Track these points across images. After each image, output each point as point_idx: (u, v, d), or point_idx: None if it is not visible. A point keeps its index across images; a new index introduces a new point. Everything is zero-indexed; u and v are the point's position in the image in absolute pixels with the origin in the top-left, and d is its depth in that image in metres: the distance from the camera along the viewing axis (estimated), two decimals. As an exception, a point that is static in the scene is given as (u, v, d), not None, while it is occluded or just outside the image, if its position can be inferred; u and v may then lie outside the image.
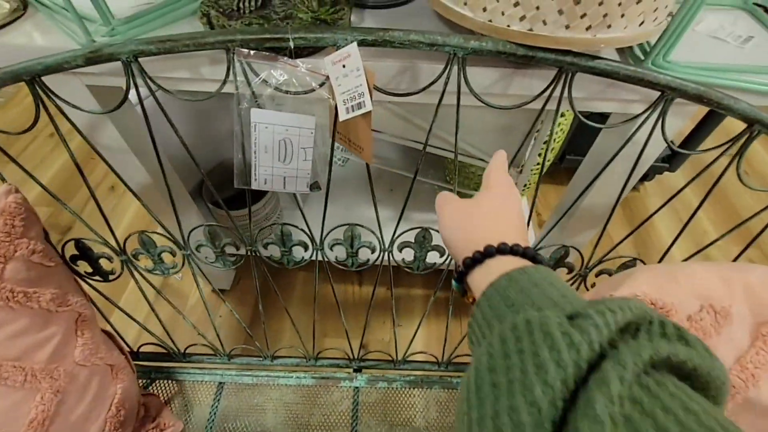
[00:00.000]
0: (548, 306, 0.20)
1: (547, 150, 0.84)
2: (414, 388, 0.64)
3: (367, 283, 1.17)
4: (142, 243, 0.51)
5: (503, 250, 0.26)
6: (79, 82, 0.51)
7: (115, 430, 0.52)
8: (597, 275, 0.53)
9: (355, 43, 0.35)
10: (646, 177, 1.42)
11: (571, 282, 0.54)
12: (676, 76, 0.38)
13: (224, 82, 0.39)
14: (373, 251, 0.51)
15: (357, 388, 0.64)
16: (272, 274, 1.16)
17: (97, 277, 0.54)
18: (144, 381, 0.64)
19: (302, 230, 0.50)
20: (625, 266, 0.51)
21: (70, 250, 0.52)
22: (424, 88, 0.39)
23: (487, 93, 0.46)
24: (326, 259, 0.53)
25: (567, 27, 0.34)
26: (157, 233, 0.51)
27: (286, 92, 0.39)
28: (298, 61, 0.38)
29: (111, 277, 0.55)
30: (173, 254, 0.52)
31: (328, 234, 0.50)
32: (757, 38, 0.48)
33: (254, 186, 0.45)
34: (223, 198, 0.51)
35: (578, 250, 0.52)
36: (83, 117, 0.52)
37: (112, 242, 0.51)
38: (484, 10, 0.36)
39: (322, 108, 0.42)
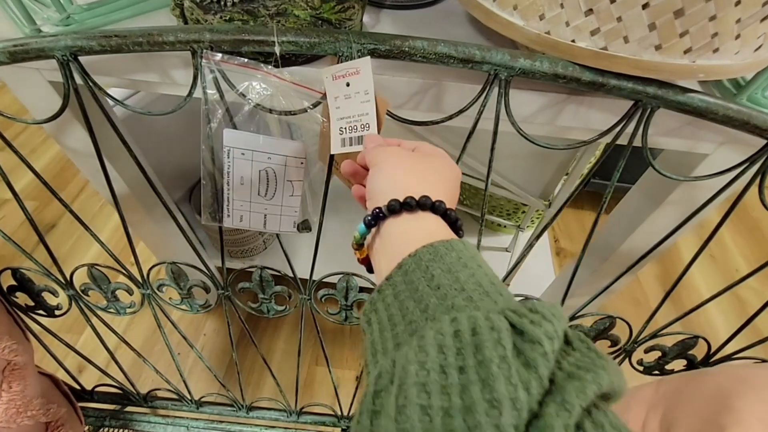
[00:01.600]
0: (480, 297, 0.18)
1: (585, 183, 0.74)
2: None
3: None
4: (92, 278, 0.42)
5: (434, 207, 0.22)
6: (40, 78, 0.43)
7: (45, 503, 0.43)
8: (647, 351, 0.43)
9: (368, 58, 0.26)
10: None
11: (614, 355, 0.44)
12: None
13: (189, 94, 0.30)
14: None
15: (344, 453, 0.54)
16: (256, 318, 1.03)
17: (40, 312, 0.45)
18: (94, 428, 0.55)
19: (287, 276, 0.41)
20: (683, 344, 0.41)
21: (7, 280, 0.43)
22: (451, 116, 0.30)
23: (529, 121, 0.36)
24: (314, 310, 0.43)
25: (657, 48, 0.25)
26: (111, 268, 0.42)
27: (270, 111, 0.30)
28: (287, 71, 0.29)
29: (57, 312, 0.46)
30: (130, 292, 0.43)
31: (317, 282, 0.40)
32: None
33: (226, 223, 0.35)
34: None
35: (626, 322, 0.42)
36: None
37: (57, 273, 0.42)
38: (541, 18, 0.26)
39: (316, 132, 0.32)
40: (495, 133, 0.30)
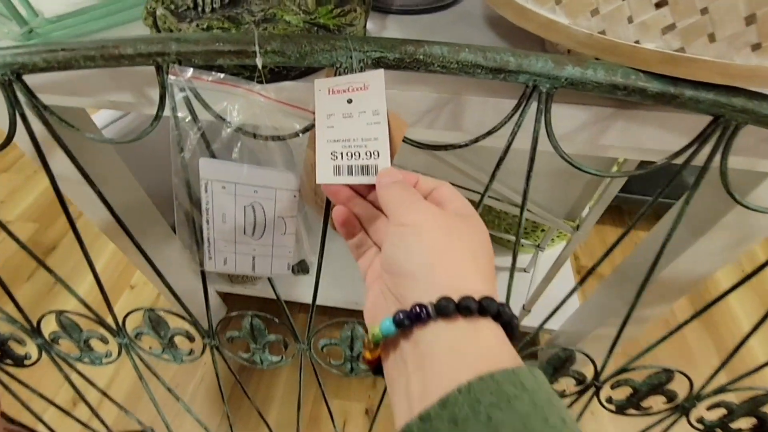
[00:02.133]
0: None
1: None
2: None
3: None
4: (61, 326, 0.37)
5: (499, 313, 0.16)
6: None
7: None
8: (709, 408, 0.36)
9: (381, 71, 0.20)
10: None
11: (669, 414, 0.37)
12: None
13: (156, 117, 0.25)
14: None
15: None
16: (266, 321, 0.97)
17: (8, 361, 0.40)
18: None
19: (283, 323, 0.35)
20: (755, 402, 0.34)
21: (-32, 328, 0.38)
22: (477, 139, 0.24)
23: (565, 140, 0.30)
24: (314, 361, 0.37)
25: (756, 47, 0.19)
26: (83, 315, 0.37)
27: (254, 135, 0.24)
28: (272, 88, 0.23)
29: (27, 362, 0.40)
30: (105, 341, 0.38)
31: (317, 332, 0.34)
32: None
33: (208, 267, 0.30)
34: None
35: (687, 376, 0.35)
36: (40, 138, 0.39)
37: (23, 321, 0.37)
38: (594, 14, 0.21)
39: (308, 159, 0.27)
40: (532, 159, 0.24)
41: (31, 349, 0.39)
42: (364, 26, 0.32)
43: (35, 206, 1.24)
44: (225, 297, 0.98)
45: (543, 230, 0.91)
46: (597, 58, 0.21)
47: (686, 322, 0.31)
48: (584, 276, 0.31)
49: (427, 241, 0.17)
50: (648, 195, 1.13)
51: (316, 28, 0.28)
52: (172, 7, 0.29)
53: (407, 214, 0.18)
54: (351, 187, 0.22)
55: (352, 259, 0.24)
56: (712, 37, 0.19)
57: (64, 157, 0.46)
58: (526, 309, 0.78)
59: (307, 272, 0.32)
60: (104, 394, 0.43)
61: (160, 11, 0.28)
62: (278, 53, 0.22)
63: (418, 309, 0.16)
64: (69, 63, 0.23)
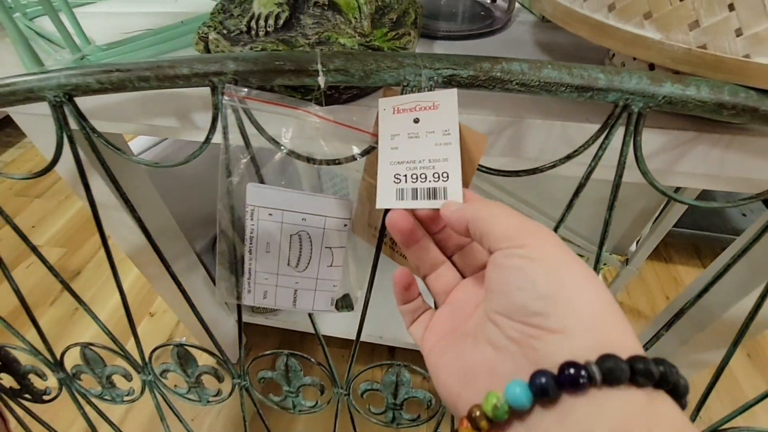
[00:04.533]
0: None
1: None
2: None
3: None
4: (85, 360, 0.34)
5: (678, 388, 0.12)
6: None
7: None
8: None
9: (454, 90, 0.18)
10: None
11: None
12: None
13: (207, 140, 0.23)
14: (428, 406, 0.32)
15: None
16: (289, 344, 0.94)
17: (27, 396, 0.38)
18: None
19: (319, 364, 0.32)
20: None
21: (-8, 359, 0.36)
22: (560, 161, 0.21)
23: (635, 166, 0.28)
24: (353, 408, 0.33)
25: None
26: (109, 348, 0.34)
27: (308, 160, 0.23)
28: (329, 109, 0.22)
29: (46, 398, 0.38)
30: (129, 378, 0.35)
31: (358, 375, 0.31)
32: None
33: (247, 301, 0.28)
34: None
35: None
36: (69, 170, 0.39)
37: (46, 353, 0.35)
38: (693, 27, 0.18)
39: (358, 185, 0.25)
40: (617, 186, 0.22)
41: (51, 383, 0.37)
42: (415, 50, 0.31)
43: (64, 231, 1.27)
44: (243, 326, 0.94)
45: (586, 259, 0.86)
46: (696, 75, 0.19)
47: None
48: (671, 319, 0.27)
49: (565, 273, 0.14)
50: (686, 227, 1.07)
51: (369, 50, 0.27)
52: (225, 31, 0.28)
53: (524, 237, 0.15)
54: (417, 218, 0.20)
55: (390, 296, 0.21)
56: (843, 49, 0.16)
57: (101, 183, 0.45)
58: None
59: (352, 308, 0.29)
60: (119, 430, 0.40)
61: (212, 36, 0.28)
62: (341, 71, 0.20)
63: (573, 370, 0.12)
64: (123, 84, 0.22)
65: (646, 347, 0.44)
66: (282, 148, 0.23)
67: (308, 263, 0.27)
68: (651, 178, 0.21)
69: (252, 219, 0.25)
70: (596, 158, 0.21)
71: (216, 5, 0.31)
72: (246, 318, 0.83)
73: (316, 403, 0.34)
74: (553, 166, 0.22)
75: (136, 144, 0.65)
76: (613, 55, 0.27)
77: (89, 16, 0.44)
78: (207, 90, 0.22)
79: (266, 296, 0.28)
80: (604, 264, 0.80)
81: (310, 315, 0.30)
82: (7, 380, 0.37)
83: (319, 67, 0.20)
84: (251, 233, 0.25)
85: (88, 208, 0.29)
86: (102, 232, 0.29)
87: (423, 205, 0.20)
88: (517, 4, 0.42)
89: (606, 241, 0.24)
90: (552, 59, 0.32)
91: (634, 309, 1.05)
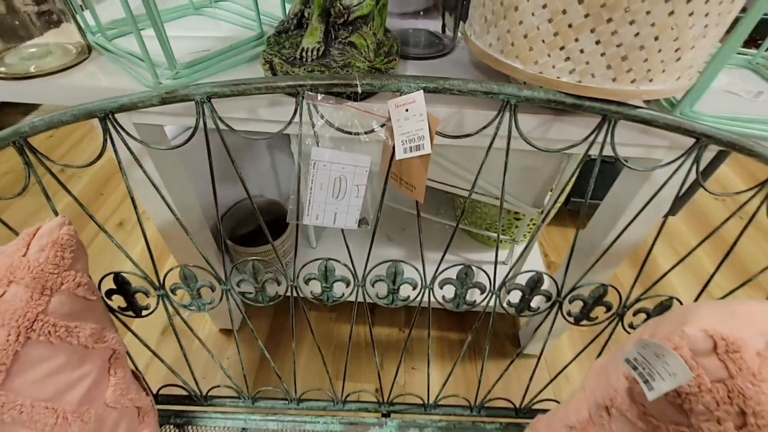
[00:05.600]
0: None
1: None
2: (446, 435, 0.61)
3: (380, 324, 1.15)
4: (183, 277, 0.51)
5: None
6: (127, 120, 0.54)
7: (137, 480, 0.49)
8: (634, 314, 0.54)
9: (421, 91, 0.38)
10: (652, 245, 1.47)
11: (608, 321, 0.55)
12: (707, 124, 0.41)
13: (289, 123, 0.41)
14: (414, 287, 0.52)
15: (387, 434, 0.61)
16: (285, 314, 1.14)
17: (129, 313, 0.53)
18: (163, 427, 0.60)
19: (345, 265, 0.51)
20: (662, 305, 0.52)
21: (107, 284, 0.51)
22: (478, 131, 0.42)
23: (528, 137, 0.49)
24: (365, 298, 0.53)
25: (614, 80, 0.38)
26: (199, 267, 0.51)
27: (349, 133, 0.41)
28: (361, 105, 0.41)
29: (144, 312, 0.54)
30: (212, 289, 0.52)
31: (372, 270, 0.50)
32: (766, 93, 0.53)
33: (306, 221, 0.46)
34: (240, 235, 0.51)
35: (617, 289, 0.53)
36: (124, 152, 0.54)
37: (151, 275, 0.51)
38: (536, 63, 0.39)
39: (376, 149, 0.44)
40: (508, 147, 0.43)
41: (151, 300, 0.53)
42: (397, 68, 0.50)
43: (70, 208, 1.36)
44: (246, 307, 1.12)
45: (517, 227, 1.10)
46: (540, 87, 0.40)
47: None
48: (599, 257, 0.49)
49: None
50: (599, 199, 1.36)
51: (373, 70, 0.46)
52: (284, 58, 0.46)
53: None
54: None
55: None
56: (593, 75, 0.38)
57: (150, 166, 0.61)
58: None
59: (368, 225, 0.48)
60: (154, 353, 0.56)
61: (276, 60, 0.46)
62: (369, 85, 0.39)
63: None
64: (244, 92, 0.39)
65: (568, 280, 0.63)
66: (333, 125, 0.41)
67: (344, 196, 0.45)
68: (526, 138, 0.42)
69: (314, 169, 0.43)
70: (495, 133, 0.42)
71: (268, 38, 0.49)
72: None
73: (342, 294, 0.53)
74: (477, 133, 0.42)
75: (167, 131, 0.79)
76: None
77: (152, 39, 0.59)
78: (274, 96, 0.39)
79: (318, 218, 0.46)
80: (529, 229, 1.04)
81: (342, 233, 0.48)
82: (117, 300, 0.52)
83: (358, 82, 0.39)
84: (312, 178, 0.43)
85: (91, 186, 0.46)
86: (134, 204, 0.46)
87: (413, 154, 0.39)
88: (459, 34, 0.62)
89: (503, 204, 0.45)
90: (479, 74, 0.52)
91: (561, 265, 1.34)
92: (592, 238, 0.76)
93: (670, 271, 0.52)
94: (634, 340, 0.38)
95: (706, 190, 0.45)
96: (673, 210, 1.42)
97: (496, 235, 1.10)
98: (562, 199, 1.07)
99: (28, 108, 1.95)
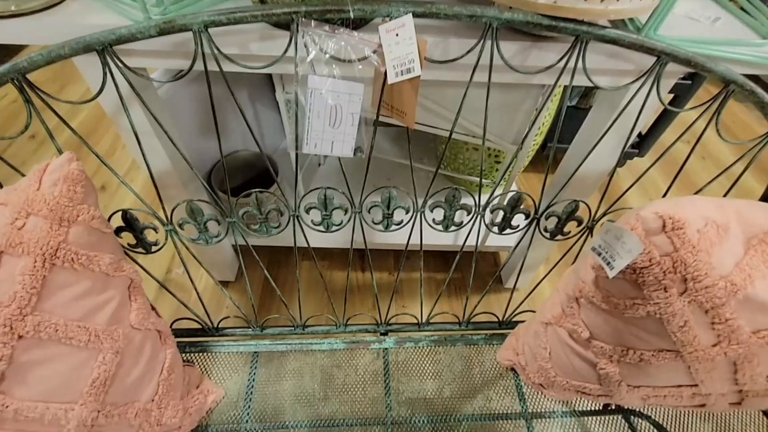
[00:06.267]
0: None
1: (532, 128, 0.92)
2: (439, 346, 0.69)
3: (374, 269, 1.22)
4: (190, 211, 0.54)
5: None
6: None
7: (166, 393, 0.54)
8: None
9: (410, 14, 0.40)
10: (618, 163, 1.56)
11: (579, 235, 0.61)
12: (668, 43, 0.45)
13: (286, 50, 0.43)
14: (407, 212, 0.56)
15: (386, 349, 0.68)
16: (277, 266, 1.19)
17: (140, 249, 0.56)
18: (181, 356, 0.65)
19: (343, 193, 0.55)
20: (625, 217, 0.59)
21: (116, 222, 0.53)
22: (463, 55, 0.45)
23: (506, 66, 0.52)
24: (362, 225, 0.57)
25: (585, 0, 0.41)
26: (204, 201, 0.54)
27: (344, 60, 0.44)
28: (354, 32, 0.43)
29: (154, 248, 0.57)
30: (218, 222, 0.55)
31: (368, 196, 0.54)
32: (723, 19, 0.57)
33: (305, 150, 0.49)
34: (230, 187, 0.55)
35: (587, 204, 0.59)
36: (112, 99, 0.55)
37: (160, 213, 0.54)
38: (515, -14, 0.42)
39: (369, 76, 0.47)
40: (490, 67, 0.46)
41: (159, 236, 0.56)
42: None
43: (66, 147, 1.34)
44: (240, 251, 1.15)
45: (497, 170, 1.15)
46: (519, 8, 0.43)
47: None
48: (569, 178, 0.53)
49: None
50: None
51: None
52: (273, -11, 0.47)
53: None
54: None
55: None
56: (567, -4, 0.41)
57: (138, 112, 0.61)
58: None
59: (362, 153, 0.51)
60: (162, 285, 0.60)
61: (266, -8, 0.47)
62: (360, 10, 0.41)
63: None
64: (241, 20, 0.41)
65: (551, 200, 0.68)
66: (327, 52, 0.43)
67: (340, 124, 0.48)
68: (506, 62, 0.46)
69: (311, 97, 0.45)
70: (479, 56, 0.45)
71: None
72: (241, 241, 1.02)
73: (341, 222, 0.57)
74: (462, 57, 0.45)
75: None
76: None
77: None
78: (264, 29, 0.41)
79: (316, 146, 0.49)
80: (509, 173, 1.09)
81: (340, 162, 0.52)
82: (126, 238, 0.55)
83: (350, 8, 0.41)
84: (309, 106, 0.46)
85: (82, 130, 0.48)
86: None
87: (405, 77, 0.42)
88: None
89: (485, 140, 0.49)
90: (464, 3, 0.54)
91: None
92: (567, 168, 0.82)
93: (630, 188, 0.58)
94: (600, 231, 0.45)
95: (665, 105, 0.51)
96: (642, 150, 1.49)
97: (478, 180, 1.15)
98: (539, 139, 1.12)
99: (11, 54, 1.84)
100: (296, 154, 0.50)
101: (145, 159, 0.52)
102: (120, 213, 0.53)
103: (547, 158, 1.62)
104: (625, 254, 0.37)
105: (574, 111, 1.40)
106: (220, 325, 0.68)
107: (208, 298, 1.12)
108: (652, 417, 0.62)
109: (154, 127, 0.68)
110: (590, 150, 0.56)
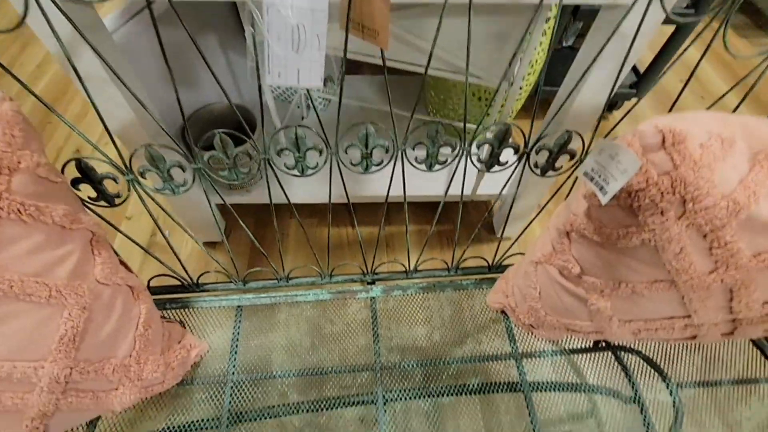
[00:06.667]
0: None
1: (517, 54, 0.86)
2: (427, 293, 0.67)
3: (360, 224, 1.19)
4: (150, 158, 0.49)
5: None
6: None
7: (144, 349, 0.52)
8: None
9: None
10: (614, 105, 1.49)
11: (572, 169, 0.58)
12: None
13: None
14: (387, 151, 0.52)
15: (373, 297, 0.66)
16: (264, 225, 1.16)
17: (102, 203, 0.52)
18: (160, 312, 0.63)
19: (317, 134, 0.50)
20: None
21: (71, 173, 0.49)
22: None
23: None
24: (339, 167, 0.53)
25: None
26: (165, 146, 0.49)
27: (300, -32, 0.38)
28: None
29: (117, 201, 0.53)
30: (183, 169, 0.51)
31: (343, 135, 0.50)
32: None
33: (269, 81, 0.44)
34: (205, 144, 0.50)
35: (580, 135, 0.55)
36: (65, 40, 0.48)
37: (117, 160, 0.49)
38: None
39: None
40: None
41: (121, 187, 0.52)
42: None
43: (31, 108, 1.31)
44: (222, 209, 1.11)
45: (488, 114, 1.10)
46: None
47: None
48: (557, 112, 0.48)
49: None
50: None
51: None
52: None
53: None
54: None
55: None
56: None
57: (91, 57, 0.55)
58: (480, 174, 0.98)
59: (333, 82, 0.46)
60: (141, 247, 0.57)
61: None
62: None
63: None
64: None
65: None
66: (283, -40, 0.37)
67: (305, 47, 0.43)
68: (488, -36, 0.40)
69: (269, 14, 0.40)
70: None
71: None
72: (228, 199, 0.98)
73: (317, 164, 0.53)
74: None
75: (108, 22, 0.71)
76: None
77: None
78: None
79: (280, 76, 0.44)
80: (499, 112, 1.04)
81: (311, 97, 0.47)
82: (86, 191, 0.51)
83: None
84: (268, 26, 0.40)
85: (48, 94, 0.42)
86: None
87: None
88: None
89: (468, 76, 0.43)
90: None
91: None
92: (559, 103, 0.77)
93: (623, 118, 0.54)
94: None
95: (666, 13, 0.45)
96: (639, 91, 1.43)
97: (470, 125, 1.10)
98: (532, 79, 1.06)
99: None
100: (259, 89, 0.45)
101: (93, 104, 0.47)
102: (74, 162, 0.49)
103: (541, 102, 1.56)
104: (619, 175, 0.34)
105: (570, 52, 1.32)
106: (200, 281, 0.66)
107: (196, 258, 1.10)
108: (642, 352, 0.62)
109: (110, 75, 0.62)
110: (583, 74, 0.52)
